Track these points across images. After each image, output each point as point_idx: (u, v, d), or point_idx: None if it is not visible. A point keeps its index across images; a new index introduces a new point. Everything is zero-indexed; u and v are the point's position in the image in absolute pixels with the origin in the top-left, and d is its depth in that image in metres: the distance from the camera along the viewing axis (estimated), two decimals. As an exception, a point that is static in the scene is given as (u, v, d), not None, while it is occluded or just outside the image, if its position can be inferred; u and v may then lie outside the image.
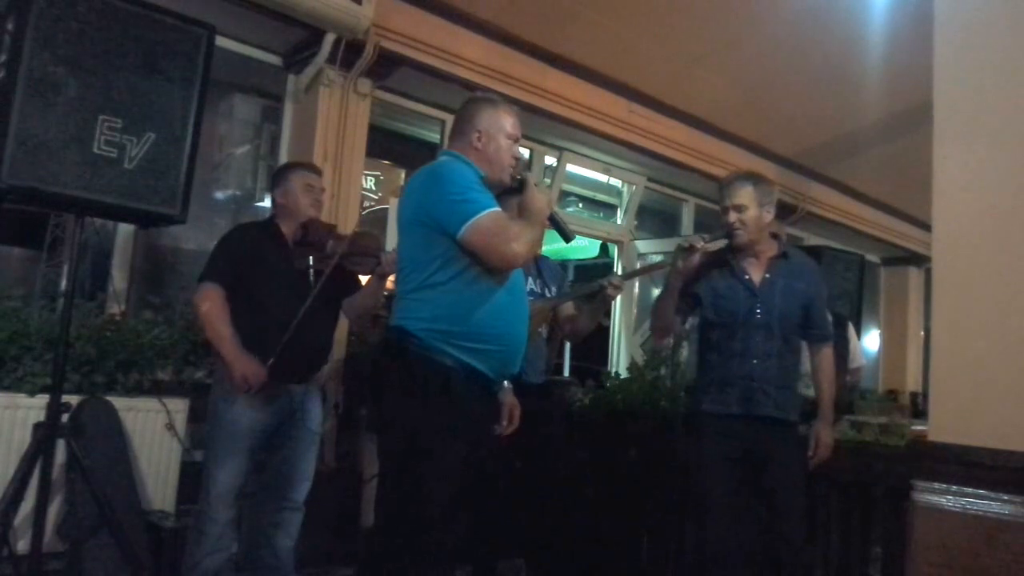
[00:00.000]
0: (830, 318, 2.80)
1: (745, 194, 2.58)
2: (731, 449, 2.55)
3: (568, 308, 3.17)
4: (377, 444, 2.20)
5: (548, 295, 3.08)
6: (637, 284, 6.09)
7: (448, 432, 1.94)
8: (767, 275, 2.62)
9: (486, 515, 3.01)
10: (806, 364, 2.76)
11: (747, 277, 2.63)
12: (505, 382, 2.22)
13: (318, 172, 2.92)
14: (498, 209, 2.00)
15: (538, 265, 3.14)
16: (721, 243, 2.68)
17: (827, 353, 2.71)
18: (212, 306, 2.58)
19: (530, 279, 3.07)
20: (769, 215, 2.62)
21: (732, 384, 2.58)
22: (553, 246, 6.36)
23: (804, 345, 2.74)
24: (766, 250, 2.65)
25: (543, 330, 3.05)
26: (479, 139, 2.14)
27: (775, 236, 2.71)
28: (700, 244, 2.57)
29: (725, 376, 2.61)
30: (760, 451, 2.54)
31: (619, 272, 5.85)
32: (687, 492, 2.71)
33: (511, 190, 2.19)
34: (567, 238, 2.30)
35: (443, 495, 1.94)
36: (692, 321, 2.93)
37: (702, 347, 2.75)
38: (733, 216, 2.60)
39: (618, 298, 3.42)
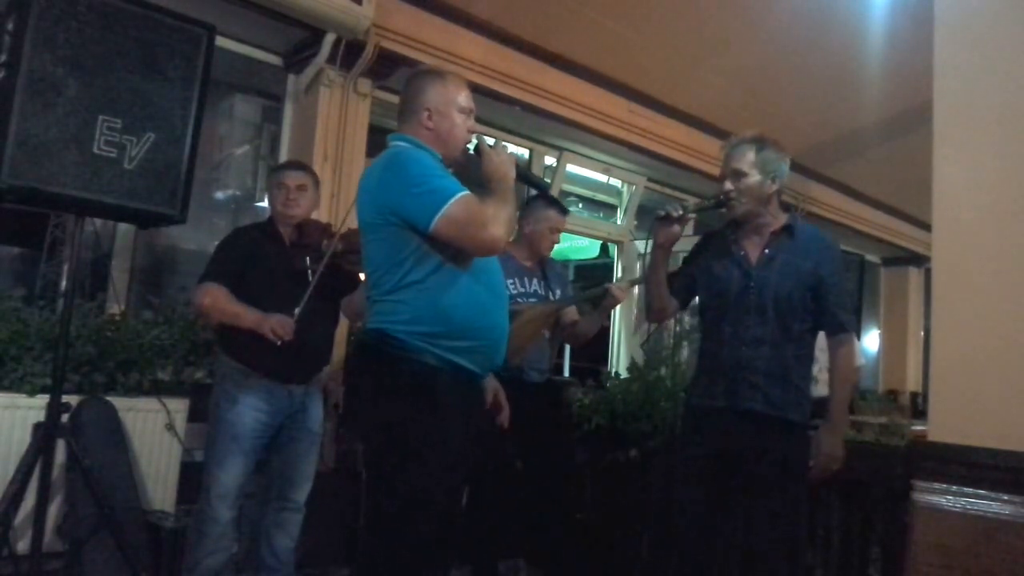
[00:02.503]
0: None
1: (746, 159, 2.28)
2: (712, 449, 2.30)
3: (572, 313, 3.15)
4: (362, 449, 2.14)
5: (552, 298, 3.07)
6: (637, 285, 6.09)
7: (439, 434, 1.89)
8: (766, 251, 2.32)
9: (488, 515, 3.02)
10: (822, 360, 2.44)
11: (743, 253, 2.34)
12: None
13: (298, 167, 2.91)
14: (466, 193, 1.85)
15: (543, 267, 3.13)
16: (692, 214, 2.38)
17: (845, 349, 2.33)
18: (213, 297, 2.59)
19: (534, 281, 3.06)
20: (774, 186, 2.31)
21: (720, 374, 2.30)
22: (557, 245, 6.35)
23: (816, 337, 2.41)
24: (770, 224, 2.34)
25: (546, 331, 3.05)
26: (429, 118, 1.98)
27: (786, 210, 2.40)
28: (676, 213, 2.28)
29: (714, 365, 2.34)
30: (742, 452, 2.26)
31: (620, 275, 5.86)
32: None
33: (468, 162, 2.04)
34: (543, 189, 2.23)
35: (438, 497, 1.90)
36: (692, 321, 2.85)
37: (701, 335, 2.51)
38: (729, 183, 2.31)
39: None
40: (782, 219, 2.36)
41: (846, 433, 3.07)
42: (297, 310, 2.51)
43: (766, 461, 2.25)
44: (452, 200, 1.82)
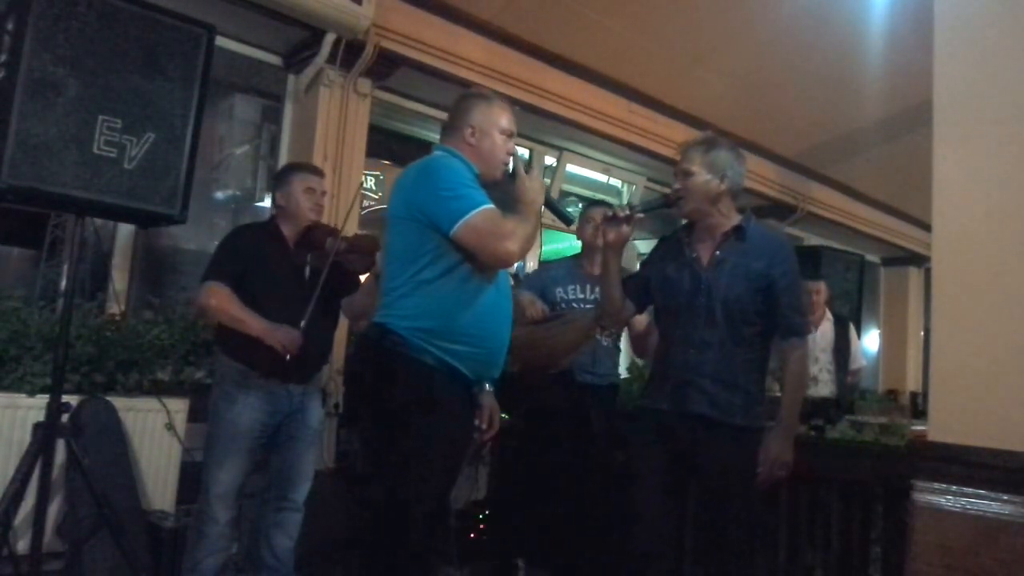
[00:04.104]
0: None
1: (693, 158, 2.29)
2: (661, 452, 2.28)
3: (641, 321, 3.13)
4: (359, 444, 2.18)
5: None
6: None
7: (429, 433, 1.92)
8: (717, 253, 2.30)
9: (513, 514, 3.05)
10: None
11: (695, 256, 2.33)
12: (487, 384, 2.19)
13: (320, 174, 2.89)
14: (491, 206, 1.96)
15: None
16: (640, 213, 2.37)
17: (797, 354, 2.31)
18: (220, 299, 2.59)
19: (598, 289, 3.08)
20: (723, 185, 2.27)
21: (668, 377, 2.31)
22: (553, 246, 6.41)
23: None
24: (721, 226, 2.32)
25: (602, 338, 3.04)
26: (472, 135, 2.10)
27: (741, 211, 2.37)
28: (623, 212, 2.28)
29: (664, 368, 2.35)
30: (694, 455, 2.24)
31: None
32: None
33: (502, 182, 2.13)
34: (567, 221, 2.28)
35: (426, 496, 1.93)
36: None
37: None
38: (678, 183, 2.31)
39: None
40: (734, 220, 2.33)
41: (846, 433, 3.09)
42: (303, 323, 2.52)
43: (712, 465, 2.24)
44: (477, 210, 1.92)
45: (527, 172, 2.10)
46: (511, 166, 2.13)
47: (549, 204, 2.16)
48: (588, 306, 3.04)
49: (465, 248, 1.94)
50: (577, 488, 3.07)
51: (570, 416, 3.03)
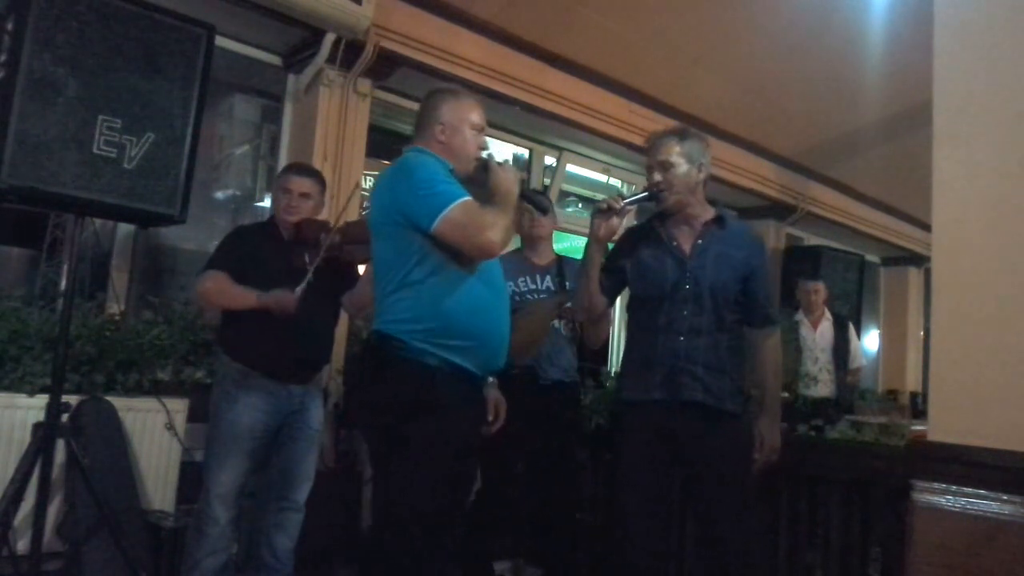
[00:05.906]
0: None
1: (671, 149, 2.29)
2: (655, 443, 2.26)
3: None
4: (368, 448, 2.18)
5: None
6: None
7: (437, 435, 1.92)
8: (699, 242, 2.32)
9: (487, 516, 3.03)
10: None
11: (676, 244, 2.34)
12: (489, 377, 2.18)
13: (304, 174, 2.85)
14: (468, 199, 1.94)
15: (560, 265, 3.13)
16: (631, 206, 2.36)
17: (773, 341, 2.39)
18: (216, 281, 2.60)
19: (547, 278, 3.07)
20: (701, 174, 2.31)
21: (655, 365, 2.27)
22: (556, 245, 6.41)
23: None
24: (699, 215, 2.34)
25: (560, 326, 3.04)
26: (443, 132, 2.09)
27: (712, 202, 2.41)
28: (619, 204, 2.25)
29: (648, 356, 2.30)
30: (688, 444, 2.25)
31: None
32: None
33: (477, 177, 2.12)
34: (543, 210, 2.28)
35: (436, 497, 1.93)
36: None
37: (628, 328, 2.47)
38: (658, 175, 2.30)
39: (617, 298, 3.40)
40: (711, 210, 2.38)
41: (845, 433, 3.10)
42: (299, 288, 2.48)
43: (709, 451, 2.25)
44: (454, 204, 1.90)
45: (500, 165, 2.09)
46: (484, 160, 2.11)
47: (524, 194, 2.16)
48: (542, 295, 3.02)
49: (447, 243, 1.93)
50: (554, 489, 3.03)
51: (541, 417, 2.93)
